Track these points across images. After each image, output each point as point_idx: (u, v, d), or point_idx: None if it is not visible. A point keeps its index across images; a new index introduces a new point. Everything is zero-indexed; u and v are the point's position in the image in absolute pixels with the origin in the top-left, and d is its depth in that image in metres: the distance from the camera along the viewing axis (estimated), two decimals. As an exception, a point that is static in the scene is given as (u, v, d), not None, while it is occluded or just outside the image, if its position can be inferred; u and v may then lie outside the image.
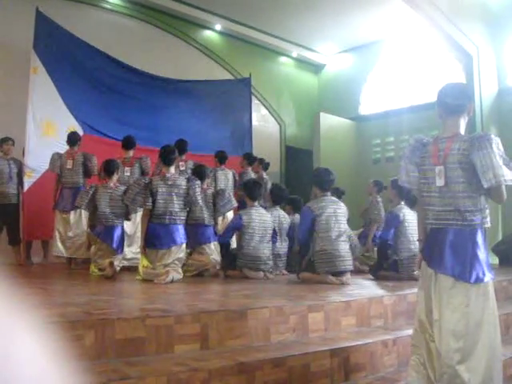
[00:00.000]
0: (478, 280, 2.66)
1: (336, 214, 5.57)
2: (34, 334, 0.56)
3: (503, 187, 2.66)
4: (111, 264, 5.68)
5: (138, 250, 5.95)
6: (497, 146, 2.64)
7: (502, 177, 2.59)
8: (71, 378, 0.60)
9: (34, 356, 0.55)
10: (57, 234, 6.95)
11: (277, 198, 6.91)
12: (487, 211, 2.72)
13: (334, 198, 5.77)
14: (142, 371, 2.41)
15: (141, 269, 5.49)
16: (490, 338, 2.63)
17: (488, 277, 2.67)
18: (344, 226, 5.64)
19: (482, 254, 2.69)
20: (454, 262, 2.75)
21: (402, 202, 6.25)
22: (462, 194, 2.72)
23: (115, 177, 6.30)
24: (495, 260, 8.53)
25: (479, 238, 2.70)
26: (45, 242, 7.78)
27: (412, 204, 6.53)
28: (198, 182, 6.08)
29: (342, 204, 5.79)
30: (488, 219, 2.73)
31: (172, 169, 5.76)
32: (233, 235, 6.08)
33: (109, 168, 6.24)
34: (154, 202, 5.46)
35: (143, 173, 7.21)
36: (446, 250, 2.75)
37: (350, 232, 5.99)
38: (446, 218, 2.76)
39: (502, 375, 2.76)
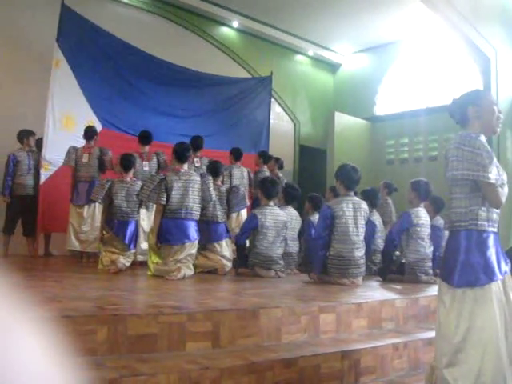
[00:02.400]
0: (464, 284, 2.66)
1: (356, 217, 5.43)
2: (42, 328, 0.56)
3: (492, 187, 2.66)
4: (112, 262, 5.73)
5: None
6: (471, 144, 2.68)
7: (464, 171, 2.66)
8: (74, 373, 0.59)
9: (41, 351, 0.55)
10: (70, 227, 7.00)
11: (289, 198, 6.88)
12: (481, 213, 2.71)
13: (356, 199, 5.59)
14: (153, 368, 2.43)
15: (151, 265, 5.52)
16: (485, 344, 2.60)
17: (480, 281, 2.65)
18: (363, 230, 5.52)
19: (470, 257, 2.68)
20: (443, 265, 2.84)
21: (422, 205, 6.21)
22: (452, 196, 2.78)
23: (132, 171, 6.32)
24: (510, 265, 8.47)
25: (465, 241, 2.70)
26: (47, 236, 7.82)
27: (439, 208, 6.54)
28: (210, 177, 6.11)
29: (365, 206, 5.61)
30: (480, 222, 2.71)
31: (185, 165, 5.79)
32: (249, 236, 6.05)
33: (126, 162, 6.25)
34: (168, 198, 5.48)
35: (160, 167, 7.24)
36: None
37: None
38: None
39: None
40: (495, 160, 2.72)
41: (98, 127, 7.97)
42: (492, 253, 2.71)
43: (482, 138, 2.78)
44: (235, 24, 11.56)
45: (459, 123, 2.91)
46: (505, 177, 2.80)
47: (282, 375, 2.75)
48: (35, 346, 0.54)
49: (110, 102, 8.54)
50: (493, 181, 2.66)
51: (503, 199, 2.73)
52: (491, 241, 2.73)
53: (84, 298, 3.29)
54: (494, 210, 2.74)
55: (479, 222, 2.68)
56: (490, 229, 2.72)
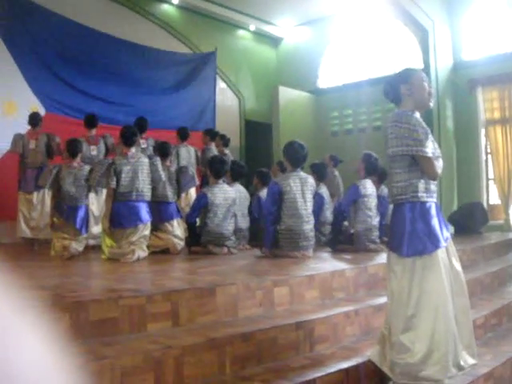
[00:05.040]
0: (413, 253, 2.84)
1: (304, 191, 5.59)
2: (18, 318, 0.55)
3: (429, 161, 2.85)
4: (65, 248, 5.73)
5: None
6: (407, 121, 2.86)
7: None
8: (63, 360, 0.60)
9: (27, 340, 0.54)
10: (20, 215, 6.92)
11: (236, 175, 7.00)
12: (420, 185, 2.89)
13: (302, 174, 5.72)
14: (117, 350, 2.52)
15: (105, 248, 5.54)
16: (435, 308, 2.80)
17: (427, 249, 2.84)
18: (310, 204, 5.69)
19: (415, 227, 2.86)
20: (391, 237, 3.04)
21: (368, 178, 6.39)
22: (392, 170, 2.97)
23: (78, 156, 6.28)
24: (451, 229, 8.84)
25: (409, 212, 2.88)
26: None
27: (383, 178, 6.74)
28: (158, 158, 6.17)
29: (311, 180, 5.78)
30: (420, 194, 2.88)
31: (133, 149, 5.80)
32: (199, 214, 6.14)
33: (72, 148, 6.20)
34: (118, 182, 5.50)
35: (108, 150, 7.21)
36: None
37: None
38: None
39: (472, 339, 2.97)
40: (430, 135, 2.90)
41: (42, 112, 7.83)
42: (435, 222, 2.89)
43: (417, 114, 2.95)
44: (175, 1, 11.43)
45: (393, 102, 3.08)
46: (439, 150, 2.98)
47: (241, 349, 2.87)
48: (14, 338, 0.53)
49: (53, 84, 8.39)
50: (430, 155, 2.83)
51: (439, 171, 2.92)
52: (433, 210, 2.92)
53: (43, 287, 3.32)
54: (432, 181, 2.92)
55: (419, 194, 2.86)
56: (430, 199, 2.91)
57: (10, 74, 7.68)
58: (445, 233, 2.93)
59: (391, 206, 3.20)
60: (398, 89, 3.02)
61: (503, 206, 9.96)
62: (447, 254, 2.93)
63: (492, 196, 10.43)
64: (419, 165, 2.87)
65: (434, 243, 2.84)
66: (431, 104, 3.08)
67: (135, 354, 2.49)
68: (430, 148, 2.86)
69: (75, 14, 9.01)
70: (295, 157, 5.67)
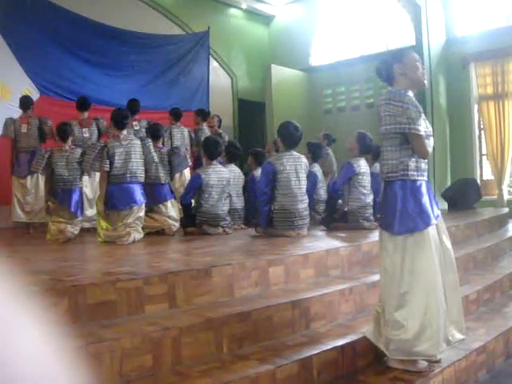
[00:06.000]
0: (404, 231, 2.88)
1: (297, 171, 5.61)
2: (16, 303, 0.56)
3: (421, 139, 2.88)
4: (61, 231, 5.76)
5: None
6: (400, 100, 2.89)
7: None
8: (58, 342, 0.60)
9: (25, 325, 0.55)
10: (15, 199, 6.92)
11: (232, 157, 7.00)
12: (411, 164, 2.92)
13: (295, 154, 5.74)
14: (116, 333, 2.55)
15: (100, 231, 5.57)
16: (427, 285, 2.85)
17: (418, 226, 2.87)
18: (304, 183, 5.71)
19: (406, 205, 2.89)
20: (382, 215, 3.10)
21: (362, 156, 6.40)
22: (384, 148, 3.01)
23: (70, 139, 6.27)
24: (444, 205, 8.90)
25: (400, 190, 2.92)
26: None
27: (376, 155, 6.74)
28: (150, 140, 6.18)
29: (304, 160, 5.80)
30: (410, 172, 2.91)
31: (125, 131, 5.80)
32: (194, 195, 6.14)
33: (62, 132, 6.21)
34: (111, 164, 5.51)
35: (100, 133, 7.21)
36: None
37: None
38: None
39: (460, 315, 3.03)
40: (422, 113, 2.92)
41: (36, 95, 7.81)
42: (426, 200, 2.93)
43: (410, 93, 2.97)
44: (166, -19, 11.32)
45: (386, 81, 3.10)
46: (431, 129, 3.01)
47: (238, 328, 2.91)
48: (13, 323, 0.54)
49: (47, 67, 8.37)
50: (422, 133, 2.86)
51: (430, 149, 2.95)
52: (424, 188, 2.95)
53: (40, 272, 3.35)
54: (422, 160, 2.95)
55: (410, 173, 2.90)
56: (420, 178, 2.94)
57: (3, 57, 7.64)
58: (435, 210, 2.97)
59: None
60: (391, 68, 3.04)
61: (496, 182, 10.00)
62: (437, 231, 2.97)
63: (485, 172, 10.48)
64: (411, 143, 2.89)
65: (425, 221, 2.88)
66: (426, 82, 3.10)
67: (134, 335, 2.53)
68: (423, 126, 2.88)
69: (67, 0, 8.93)
70: (290, 138, 5.69)
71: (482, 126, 10.36)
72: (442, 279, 2.90)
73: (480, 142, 10.48)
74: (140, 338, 2.51)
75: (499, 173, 9.91)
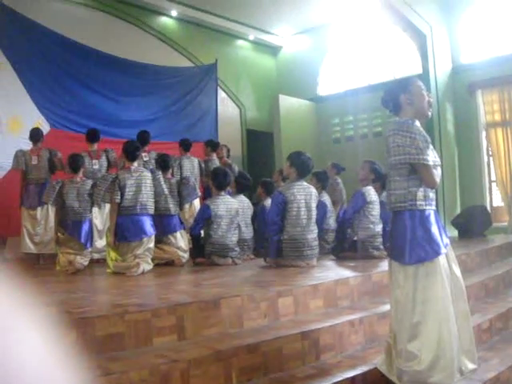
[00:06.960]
0: (415, 261, 2.86)
1: (307, 201, 5.60)
2: (25, 335, 0.57)
3: (429, 169, 2.87)
4: (70, 263, 5.77)
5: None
6: (408, 130, 2.89)
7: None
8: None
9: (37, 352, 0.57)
10: (24, 230, 6.95)
11: (241, 187, 7.02)
12: (419, 193, 2.91)
13: (305, 184, 5.74)
14: (124, 365, 2.54)
15: (110, 262, 5.58)
16: (439, 314, 2.81)
17: (428, 256, 2.85)
18: (314, 213, 5.70)
19: (416, 235, 2.88)
20: (392, 245, 3.07)
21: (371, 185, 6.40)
22: (391, 178, 3.01)
23: (81, 171, 6.33)
24: (455, 233, 8.85)
25: (409, 220, 2.91)
26: (2, 241, 7.70)
27: (385, 183, 6.71)
28: (160, 172, 6.23)
29: (314, 190, 5.79)
30: (419, 202, 2.91)
31: (136, 163, 5.86)
32: (203, 226, 6.14)
33: (74, 163, 6.26)
34: (122, 196, 5.55)
35: (110, 164, 7.26)
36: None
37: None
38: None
39: (472, 344, 2.99)
40: (430, 143, 2.93)
41: (46, 128, 7.91)
42: (435, 229, 2.92)
43: (417, 123, 2.98)
44: (174, 13, 11.50)
45: (393, 111, 3.11)
46: (438, 159, 3.02)
47: (247, 360, 2.88)
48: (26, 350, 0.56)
49: (57, 101, 8.50)
50: (430, 163, 2.86)
51: (438, 179, 2.94)
52: (432, 218, 2.94)
53: (49, 303, 3.35)
54: (430, 189, 2.95)
55: (418, 202, 2.89)
56: (429, 207, 2.94)
57: (15, 91, 7.76)
58: (444, 239, 2.96)
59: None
60: (397, 98, 3.05)
61: (506, 208, 9.96)
62: (447, 259, 2.95)
63: (495, 198, 10.44)
64: (419, 173, 2.90)
65: (435, 250, 2.87)
66: (430, 113, 3.11)
67: (142, 368, 2.51)
68: (431, 156, 2.89)
69: (75, 31, 9.10)
70: (303, 168, 5.70)
71: (490, 153, 10.35)
72: (453, 308, 2.87)
73: (489, 168, 10.47)
74: (148, 371, 2.49)
75: (509, 199, 9.87)
